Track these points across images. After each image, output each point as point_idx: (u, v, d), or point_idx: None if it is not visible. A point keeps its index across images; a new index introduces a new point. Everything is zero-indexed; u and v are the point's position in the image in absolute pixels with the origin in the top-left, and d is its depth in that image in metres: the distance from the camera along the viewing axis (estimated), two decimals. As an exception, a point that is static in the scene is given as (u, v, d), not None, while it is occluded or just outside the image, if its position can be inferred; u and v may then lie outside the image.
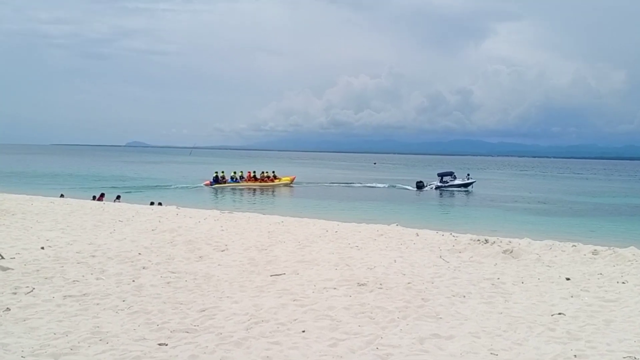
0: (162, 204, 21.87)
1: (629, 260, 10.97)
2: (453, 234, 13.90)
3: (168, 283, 7.89)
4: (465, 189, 42.04)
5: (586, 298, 8.20)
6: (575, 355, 5.70)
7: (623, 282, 8.90)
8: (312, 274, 8.83)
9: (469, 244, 12.21)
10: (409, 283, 8.29)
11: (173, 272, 8.59)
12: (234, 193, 37.03)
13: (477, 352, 5.74)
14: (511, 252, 11.50)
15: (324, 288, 7.78)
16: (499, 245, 12.03)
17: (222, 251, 10.66)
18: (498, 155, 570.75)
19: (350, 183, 48.73)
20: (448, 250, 11.83)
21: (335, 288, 7.82)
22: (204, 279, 8.30)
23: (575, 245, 12.30)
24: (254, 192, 37.61)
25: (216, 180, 39.12)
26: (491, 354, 5.68)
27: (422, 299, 7.54)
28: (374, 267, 9.51)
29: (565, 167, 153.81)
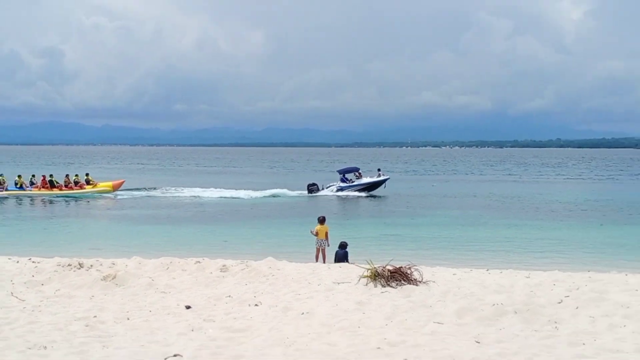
0: None
1: (264, 276, 11.84)
2: (33, 258, 13.57)
3: None
4: (372, 190, 43.90)
5: (210, 330, 8.44)
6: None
7: (256, 305, 9.78)
8: None
9: (56, 271, 12.08)
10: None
11: None
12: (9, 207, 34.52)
13: None
14: (114, 277, 11.52)
15: None
16: (97, 270, 12.10)
17: None
18: (103, 144, 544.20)
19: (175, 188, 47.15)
20: (25, 282, 11.40)
21: None
22: None
23: (200, 262, 13.07)
24: (47, 205, 36.47)
25: None
26: None
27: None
28: None
29: (221, 157, 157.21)
